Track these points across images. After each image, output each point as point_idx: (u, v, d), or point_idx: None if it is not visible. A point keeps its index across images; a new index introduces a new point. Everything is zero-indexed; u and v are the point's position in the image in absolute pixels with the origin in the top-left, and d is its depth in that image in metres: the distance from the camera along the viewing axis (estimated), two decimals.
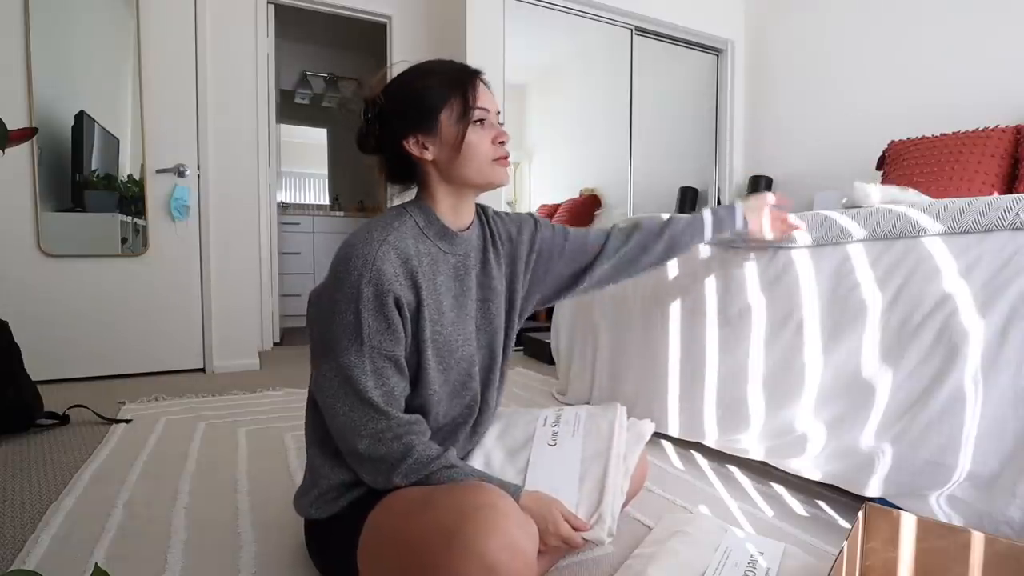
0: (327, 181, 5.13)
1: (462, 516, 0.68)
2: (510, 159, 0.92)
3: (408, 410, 0.85)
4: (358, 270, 0.79)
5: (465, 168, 0.88)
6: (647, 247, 1.16)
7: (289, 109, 4.83)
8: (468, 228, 0.95)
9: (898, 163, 2.61)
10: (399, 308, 0.81)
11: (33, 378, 1.84)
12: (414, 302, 0.84)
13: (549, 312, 3.36)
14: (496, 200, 3.03)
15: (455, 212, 0.92)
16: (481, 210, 1.01)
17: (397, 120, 0.87)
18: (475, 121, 0.86)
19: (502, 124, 0.92)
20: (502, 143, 0.89)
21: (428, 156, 0.88)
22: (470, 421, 0.97)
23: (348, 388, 0.79)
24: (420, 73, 0.89)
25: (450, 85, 0.86)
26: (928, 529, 0.89)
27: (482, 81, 0.91)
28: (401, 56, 3.26)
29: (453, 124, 0.86)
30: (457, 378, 0.92)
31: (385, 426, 0.79)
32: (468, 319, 0.93)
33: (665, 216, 1.24)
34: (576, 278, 1.12)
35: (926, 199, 1.33)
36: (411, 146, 0.88)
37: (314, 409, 0.89)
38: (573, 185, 3.92)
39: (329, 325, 0.81)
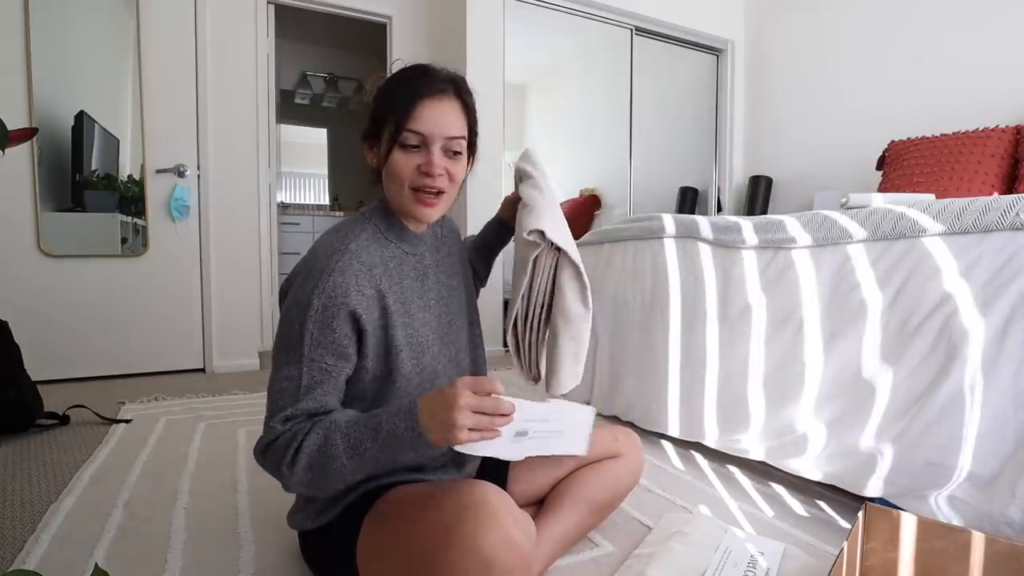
0: (327, 181, 5.12)
1: (458, 513, 0.68)
2: (440, 197, 0.83)
3: None
4: (314, 279, 0.77)
5: (388, 189, 0.86)
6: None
7: (289, 109, 4.83)
8: (427, 228, 0.95)
9: (898, 163, 2.61)
10: (356, 321, 0.78)
11: (33, 378, 1.84)
12: (378, 311, 0.81)
13: None
14: (495, 200, 3.02)
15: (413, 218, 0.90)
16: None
17: (367, 120, 0.88)
18: (407, 145, 0.81)
19: (455, 152, 0.83)
20: (425, 173, 0.81)
21: (373, 163, 0.88)
22: None
23: (280, 399, 0.76)
24: (394, 78, 0.86)
25: (397, 99, 0.82)
26: (928, 529, 0.89)
27: (459, 100, 0.84)
28: (401, 56, 3.25)
29: (387, 140, 0.82)
30: (432, 378, 0.88)
31: (289, 439, 0.73)
32: (435, 317, 0.92)
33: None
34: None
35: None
36: (365, 148, 0.88)
37: None
38: (573, 185, 3.92)
39: (279, 331, 0.80)
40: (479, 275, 1.17)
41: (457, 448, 0.68)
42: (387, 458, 0.71)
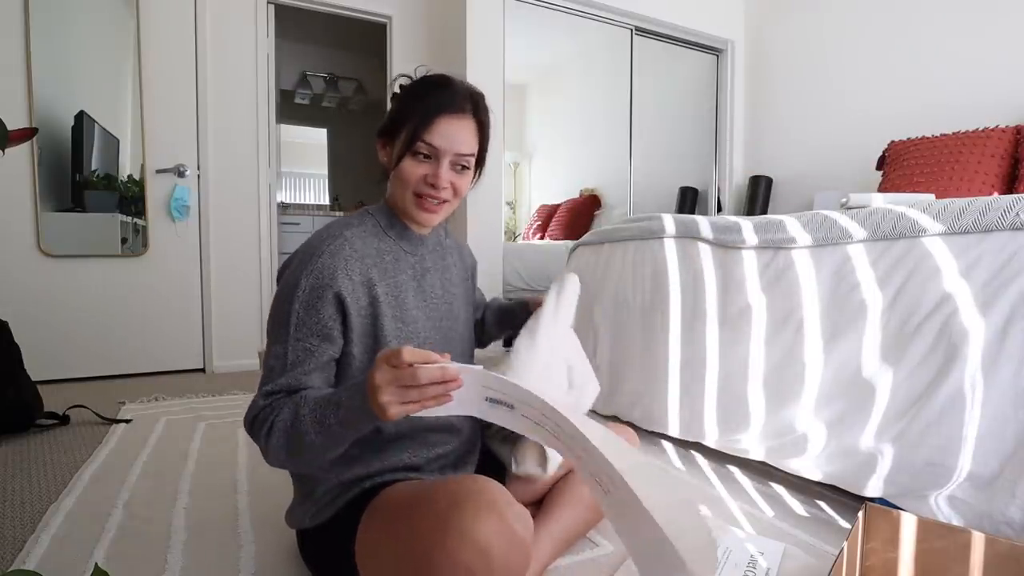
0: (327, 181, 5.12)
1: (456, 503, 0.68)
2: (442, 205, 0.87)
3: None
4: (304, 262, 0.81)
5: (393, 188, 0.89)
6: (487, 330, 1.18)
7: (289, 109, 4.83)
8: (430, 233, 0.96)
9: (898, 163, 2.61)
10: (341, 303, 0.80)
11: (33, 378, 1.84)
12: (366, 299, 0.83)
13: None
14: (495, 200, 3.02)
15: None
16: (442, 224, 1.02)
17: (385, 118, 0.90)
18: (418, 154, 0.84)
19: (463, 167, 0.87)
20: (431, 185, 0.84)
21: (384, 161, 0.90)
22: (461, 426, 0.96)
23: (266, 376, 0.79)
24: (422, 83, 0.89)
25: (418, 108, 0.84)
26: (928, 529, 0.89)
27: (476, 119, 0.87)
28: (401, 56, 3.25)
29: (401, 144, 0.85)
30: None
31: (267, 414, 0.76)
32: (433, 319, 0.93)
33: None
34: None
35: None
36: (378, 145, 0.90)
37: None
38: (573, 185, 3.92)
39: (270, 311, 0.83)
40: (481, 327, 1.16)
41: (419, 414, 0.64)
42: (351, 432, 0.71)
